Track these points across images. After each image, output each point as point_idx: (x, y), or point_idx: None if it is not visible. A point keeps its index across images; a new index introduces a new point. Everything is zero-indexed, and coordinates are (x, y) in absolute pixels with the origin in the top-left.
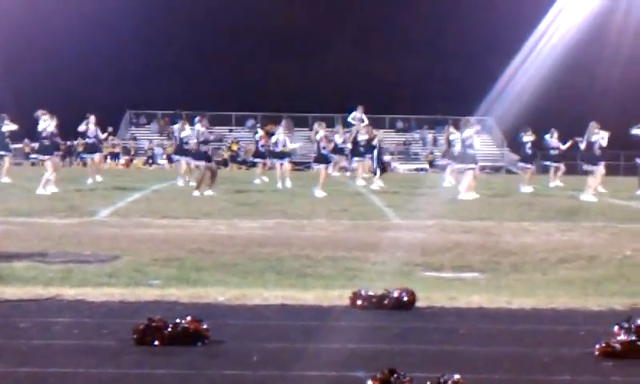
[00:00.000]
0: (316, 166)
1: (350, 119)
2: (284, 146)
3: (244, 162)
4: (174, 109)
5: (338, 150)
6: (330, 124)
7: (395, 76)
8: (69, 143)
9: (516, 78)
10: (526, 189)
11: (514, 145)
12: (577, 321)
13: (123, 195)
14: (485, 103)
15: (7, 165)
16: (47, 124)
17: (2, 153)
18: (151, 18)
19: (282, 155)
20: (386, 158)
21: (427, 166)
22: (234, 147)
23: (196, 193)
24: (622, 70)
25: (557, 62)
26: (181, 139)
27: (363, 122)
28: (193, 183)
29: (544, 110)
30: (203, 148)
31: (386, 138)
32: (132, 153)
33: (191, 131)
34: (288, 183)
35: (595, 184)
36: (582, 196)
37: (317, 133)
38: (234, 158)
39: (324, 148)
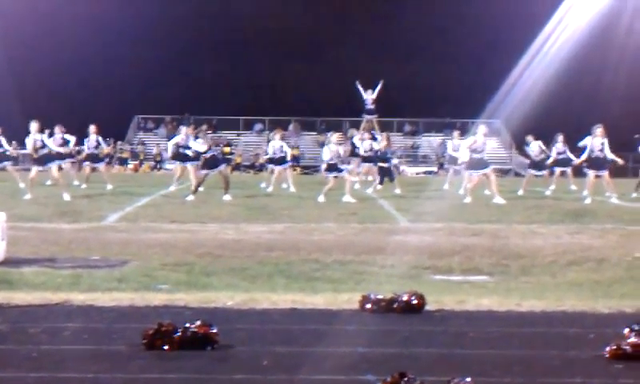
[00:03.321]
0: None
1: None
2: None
3: (252, 167)
4: (182, 113)
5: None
6: (338, 127)
7: (403, 79)
8: (77, 148)
9: (522, 80)
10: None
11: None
12: (587, 323)
13: (132, 200)
14: (491, 106)
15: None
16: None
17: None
18: (158, 22)
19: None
20: (394, 161)
21: (436, 169)
22: (227, 150)
23: (190, 197)
24: (628, 72)
25: (563, 63)
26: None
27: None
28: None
29: (550, 111)
30: (210, 154)
31: (394, 141)
32: (140, 158)
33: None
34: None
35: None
36: (612, 199)
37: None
38: (227, 161)
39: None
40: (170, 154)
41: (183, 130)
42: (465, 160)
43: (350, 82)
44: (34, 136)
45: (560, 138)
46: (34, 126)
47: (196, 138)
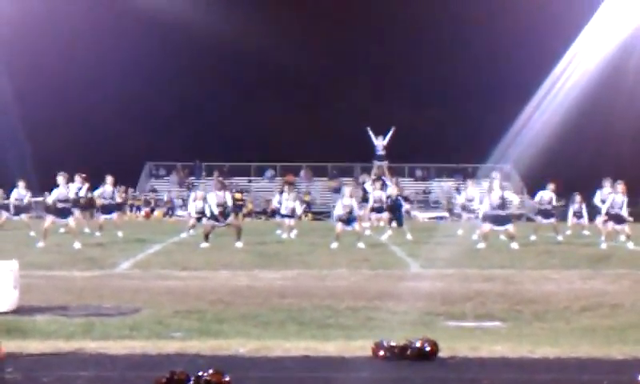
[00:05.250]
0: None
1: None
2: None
3: (264, 213)
4: (194, 160)
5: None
6: (349, 173)
7: (414, 124)
8: (89, 195)
9: (532, 123)
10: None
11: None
12: (601, 370)
13: (143, 247)
14: (501, 149)
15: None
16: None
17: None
18: (170, 69)
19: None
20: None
21: (447, 214)
22: (238, 196)
23: (204, 244)
24: (638, 115)
25: (573, 105)
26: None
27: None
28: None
29: (561, 154)
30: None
31: (406, 186)
32: (152, 204)
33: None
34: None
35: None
36: (628, 245)
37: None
38: (240, 208)
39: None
40: (192, 214)
41: (200, 191)
42: (484, 212)
43: (360, 128)
44: (61, 189)
45: (577, 198)
46: (60, 178)
47: (222, 189)
